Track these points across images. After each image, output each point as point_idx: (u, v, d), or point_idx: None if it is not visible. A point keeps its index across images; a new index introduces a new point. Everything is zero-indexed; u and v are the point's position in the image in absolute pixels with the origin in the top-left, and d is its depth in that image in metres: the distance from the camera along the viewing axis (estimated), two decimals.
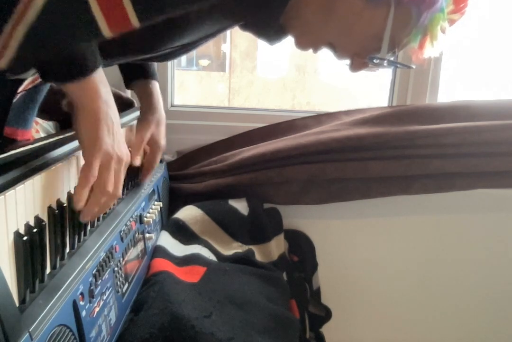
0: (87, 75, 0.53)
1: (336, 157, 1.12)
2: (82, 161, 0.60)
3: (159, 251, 0.89)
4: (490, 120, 1.11)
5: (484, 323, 1.33)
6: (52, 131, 0.92)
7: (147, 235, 0.86)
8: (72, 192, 0.56)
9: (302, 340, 1.06)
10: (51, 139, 0.60)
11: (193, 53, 4.64)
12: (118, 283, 0.68)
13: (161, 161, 1.07)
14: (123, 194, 0.78)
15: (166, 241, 0.95)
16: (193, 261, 0.90)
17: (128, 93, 1.13)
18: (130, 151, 0.81)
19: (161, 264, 0.85)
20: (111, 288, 0.64)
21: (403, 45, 0.68)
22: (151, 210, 0.90)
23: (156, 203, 0.95)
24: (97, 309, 0.58)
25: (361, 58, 0.68)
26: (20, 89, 0.70)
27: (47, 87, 0.77)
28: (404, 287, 1.30)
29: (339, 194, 1.15)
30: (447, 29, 0.66)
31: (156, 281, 0.79)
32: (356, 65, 0.70)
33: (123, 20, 0.47)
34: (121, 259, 0.70)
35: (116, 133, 0.57)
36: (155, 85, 0.88)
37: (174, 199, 1.13)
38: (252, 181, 1.13)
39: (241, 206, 1.09)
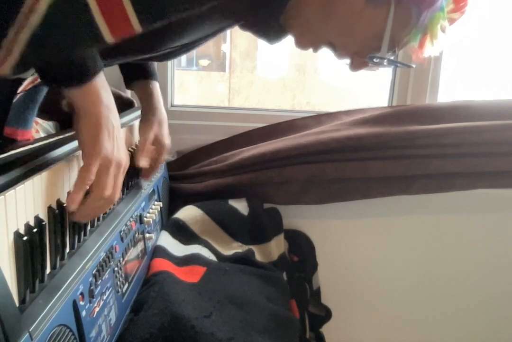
0: (88, 81, 0.53)
1: (336, 157, 1.12)
2: (82, 161, 0.61)
3: (159, 251, 0.89)
4: (490, 120, 1.11)
5: (484, 323, 1.32)
6: (52, 131, 0.92)
7: (147, 235, 0.86)
8: None
9: (302, 340, 1.06)
10: (51, 139, 0.60)
11: (193, 53, 4.64)
12: (118, 283, 0.68)
13: None
14: (123, 193, 0.78)
15: (166, 241, 0.95)
16: (193, 261, 0.90)
17: (128, 93, 1.13)
18: (135, 153, 0.81)
19: (161, 264, 0.85)
20: (111, 288, 0.64)
21: (403, 45, 0.68)
22: (151, 210, 0.90)
23: (156, 203, 0.95)
24: (97, 309, 0.58)
25: (361, 58, 0.68)
26: (20, 89, 0.70)
27: (47, 87, 0.77)
28: (404, 287, 1.30)
29: (339, 194, 1.15)
30: (447, 28, 0.66)
31: (156, 281, 0.79)
32: (356, 65, 0.70)
33: (125, 26, 0.47)
34: (121, 259, 0.70)
35: (116, 138, 0.57)
36: (155, 86, 0.88)
37: (174, 199, 1.13)
38: (252, 181, 1.13)
39: (241, 206, 1.09)
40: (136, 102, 1.08)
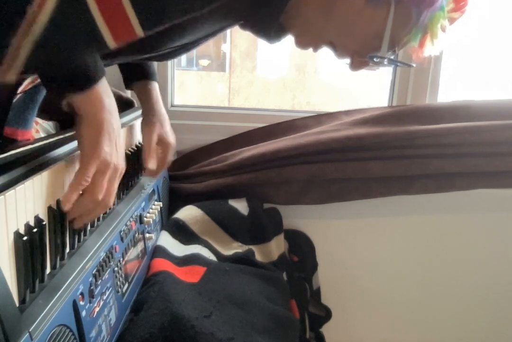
0: (91, 87, 0.54)
1: (336, 157, 1.12)
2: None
3: (159, 251, 0.89)
4: (490, 120, 1.11)
5: (484, 323, 1.32)
6: (52, 131, 0.92)
7: (147, 235, 0.86)
8: None
9: (302, 340, 1.06)
10: (51, 139, 0.60)
11: (193, 53, 4.64)
12: (118, 283, 0.68)
13: None
14: (122, 193, 0.78)
15: (166, 241, 0.95)
16: (193, 261, 0.90)
17: (128, 93, 1.13)
18: (141, 152, 0.82)
19: (161, 264, 0.85)
20: (111, 288, 0.64)
21: (403, 44, 0.68)
22: (151, 210, 0.90)
23: (156, 203, 0.95)
24: (97, 309, 0.58)
25: (361, 57, 0.68)
26: (20, 89, 0.70)
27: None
28: (404, 287, 1.30)
29: (339, 194, 1.15)
30: (448, 27, 0.66)
31: (156, 281, 0.79)
32: (356, 64, 0.70)
33: (128, 31, 0.47)
34: (121, 259, 0.70)
35: (116, 143, 0.57)
36: (154, 86, 0.88)
37: (174, 199, 1.13)
38: (252, 181, 1.13)
39: (241, 206, 1.09)
40: (136, 102, 1.08)
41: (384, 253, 1.28)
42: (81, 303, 0.54)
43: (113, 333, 0.65)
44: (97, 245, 0.61)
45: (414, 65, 0.72)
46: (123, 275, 0.70)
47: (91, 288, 0.57)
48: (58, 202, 0.53)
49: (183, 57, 4.47)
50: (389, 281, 1.30)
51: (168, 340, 0.68)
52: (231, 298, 0.81)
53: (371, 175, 1.12)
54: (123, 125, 0.78)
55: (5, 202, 0.42)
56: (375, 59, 0.67)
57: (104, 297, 0.61)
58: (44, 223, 0.48)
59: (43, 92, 0.78)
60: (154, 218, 0.90)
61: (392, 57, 0.68)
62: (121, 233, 0.70)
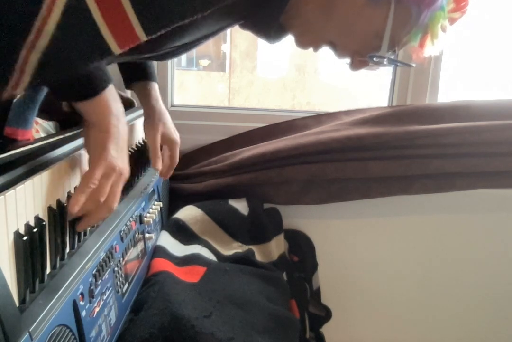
0: (98, 94, 0.55)
1: (336, 157, 1.12)
2: (82, 161, 0.61)
3: (159, 251, 0.89)
4: (490, 120, 1.11)
5: (484, 323, 1.32)
6: (52, 131, 0.92)
7: (147, 235, 0.86)
8: (73, 192, 0.56)
9: (302, 340, 1.06)
10: (51, 139, 0.60)
11: (193, 53, 4.64)
12: (118, 283, 0.68)
13: None
14: (122, 194, 0.78)
15: (166, 241, 0.94)
16: (193, 261, 0.90)
17: (128, 93, 1.12)
18: (147, 152, 0.83)
19: (161, 264, 0.85)
20: (111, 288, 0.64)
21: (403, 44, 0.68)
22: (151, 210, 0.90)
23: (156, 203, 0.95)
24: (97, 309, 0.58)
25: (361, 57, 0.68)
26: None
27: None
28: (404, 287, 1.30)
29: (339, 194, 1.15)
30: (448, 27, 0.66)
31: (156, 281, 0.79)
32: (356, 64, 0.70)
33: (132, 37, 0.48)
34: (121, 259, 0.70)
35: (122, 149, 0.59)
36: (154, 87, 0.89)
37: (174, 199, 1.13)
38: (252, 181, 1.13)
39: (241, 206, 1.09)
40: (136, 102, 1.08)
41: (384, 253, 1.28)
42: (81, 303, 0.54)
43: (113, 333, 0.65)
44: (97, 245, 0.61)
45: (414, 65, 0.72)
46: (123, 275, 0.70)
47: (91, 288, 0.57)
48: (58, 202, 0.53)
49: (183, 57, 4.47)
50: (389, 281, 1.30)
51: (168, 340, 0.68)
52: (231, 298, 0.81)
53: (371, 175, 1.12)
54: None
55: (5, 202, 0.42)
56: (375, 59, 0.67)
57: (104, 297, 0.61)
58: (44, 223, 0.48)
59: (43, 92, 0.77)
60: (154, 218, 0.90)
61: (392, 57, 0.68)
62: (121, 233, 0.70)
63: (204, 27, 0.64)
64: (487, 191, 1.17)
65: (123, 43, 0.48)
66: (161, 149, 0.86)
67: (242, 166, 1.13)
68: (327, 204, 1.16)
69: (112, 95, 0.57)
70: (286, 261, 1.12)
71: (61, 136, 0.62)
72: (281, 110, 1.51)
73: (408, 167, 1.12)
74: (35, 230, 0.46)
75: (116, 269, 0.67)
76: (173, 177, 1.18)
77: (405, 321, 1.32)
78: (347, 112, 1.24)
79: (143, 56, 0.69)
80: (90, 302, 0.56)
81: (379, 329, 1.33)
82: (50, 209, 0.51)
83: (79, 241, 0.59)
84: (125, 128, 0.60)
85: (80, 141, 0.62)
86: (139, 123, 0.90)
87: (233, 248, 1.02)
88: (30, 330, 0.43)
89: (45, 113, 0.87)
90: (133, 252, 0.76)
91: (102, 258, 0.61)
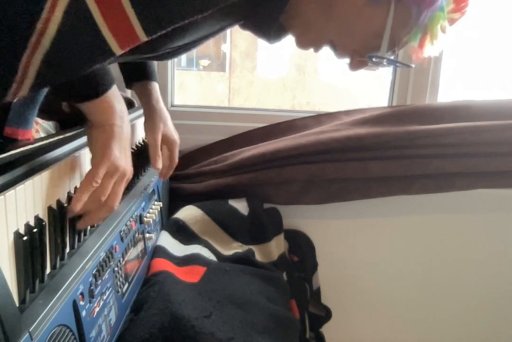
0: (102, 95, 0.56)
1: (336, 157, 1.12)
2: (82, 161, 0.61)
3: (159, 251, 0.89)
4: (490, 120, 1.11)
5: (484, 323, 1.32)
6: (52, 131, 0.92)
7: (147, 235, 0.86)
8: (73, 192, 0.56)
9: (302, 340, 1.06)
10: (51, 139, 0.60)
11: (193, 53, 4.64)
12: (118, 283, 0.68)
13: None
14: (123, 194, 0.78)
15: (166, 241, 0.95)
16: (193, 261, 0.90)
17: (128, 93, 1.13)
18: (149, 152, 0.83)
19: (161, 264, 0.85)
20: (111, 288, 0.64)
21: (403, 44, 0.68)
22: (151, 210, 0.90)
23: (156, 203, 0.95)
24: (97, 309, 0.58)
25: (360, 57, 0.68)
26: None
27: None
28: (404, 287, 1.30)
29: (339, 194, 1.15)
30: (447, 28, 0.65)
31: (156, 281, 0.79)
32: (356, 64, 0.70)
33: (132, 38, 0.48)
34: (121, 259, 0.70)
35: (126, 149, 0.60)
36: (154, 86, 0.89)
37: (174, 199, 1.13)
38: (252, 181, 1.13)
39: (241, 206, 1.09)
40: (136, 102, 1.08)
41: (384, 253, 1.28)
42: (81, 303, 0.54)
43: (113, 333, 0.65)
44: (97, 245, 0.61)
45: (413, 65, 0.72)
46: (123, 275, 0.70)
47: (91, 288, 0.57)
48: (58, 202, 0.53)
49: (183, 57, 4.47)
50: (389, 281, 1.30)
51: (168, 340, 0.68)
52: (231, 298, 0.82)
53: (371, 175, 1.12)
54: None
55: (5, 202, 0.42)
56: (374, 59, 0.67)
57: (104, 297, 0.61)
58: (44, 223, 0.48)
59: (43, 92, 0.77)
60: (154, 218, 0.90)
61: (391, 57, 0.68)
62: (121, 233, 0.70)
63: (204, 27, 0.64)
64: (487, 191, 1.17)
65: (123, 43, 0.48)
66: (161, 149, 0.86)
67: (242, 167, 1.13)
68: (327, 204, 1.16)
69: (115, 96, 0.58)
70: (286, 261, 1.12)
71: (61, 136, 0.62)
72: (281, 110, 1.51)
73: (408, 167, 1.12)
74: (35, 230, 0.46)
75: (116, 269, 0.67)
76: (173, 177, 1.18)
77: (405, 321, 1.32)
78: (347, 112, 1.24)
79: (144, 56, 0.69)
80: (90, 302, 0.56)
81: (379, 329, 1.33)
82: (50, 209, 0.51)
83: (79, 241, 0.59)
84: (128, 128, 0.61)
85: (80, 141, 0.62)
86: (139, 123, 0.90)
87: (233, 248, 1.02)
88: (30, 330, 0.43)
89: (45, 113, 0.87)
90: (133, 252, 0.76)
91: (102, 258, 0.61)
